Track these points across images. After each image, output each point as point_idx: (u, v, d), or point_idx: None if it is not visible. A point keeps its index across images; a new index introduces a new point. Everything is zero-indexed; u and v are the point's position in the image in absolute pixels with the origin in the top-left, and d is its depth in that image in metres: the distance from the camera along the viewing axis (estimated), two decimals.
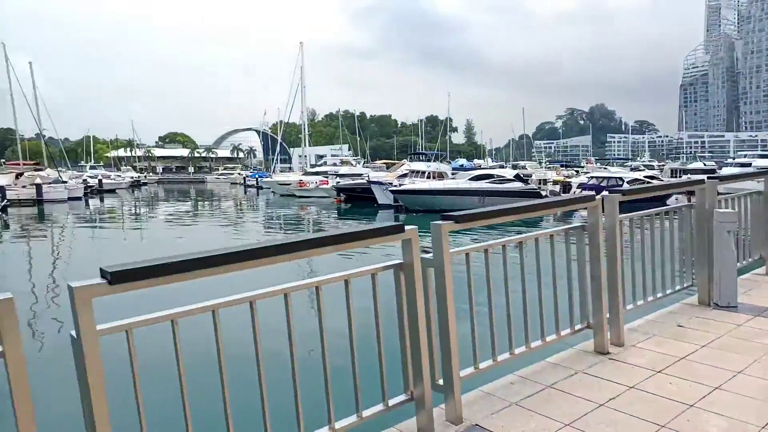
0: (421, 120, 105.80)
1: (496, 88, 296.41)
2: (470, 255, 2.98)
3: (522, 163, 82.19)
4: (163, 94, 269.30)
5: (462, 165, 70.77)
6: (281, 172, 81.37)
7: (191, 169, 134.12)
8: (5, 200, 43.48)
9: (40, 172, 59.44)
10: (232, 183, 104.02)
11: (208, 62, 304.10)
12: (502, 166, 64.85)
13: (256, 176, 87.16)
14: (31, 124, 69.46)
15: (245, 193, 78.50)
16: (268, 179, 72.39)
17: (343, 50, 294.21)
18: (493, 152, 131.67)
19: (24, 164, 68.12)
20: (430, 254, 2.71)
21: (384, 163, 77.18)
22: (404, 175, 46.22)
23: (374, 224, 2.40)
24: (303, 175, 65.21)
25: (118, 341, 1.73)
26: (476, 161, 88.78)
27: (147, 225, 37.75)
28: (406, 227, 2.48)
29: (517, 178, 41.01)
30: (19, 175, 55.26)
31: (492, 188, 38.10)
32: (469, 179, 39.93)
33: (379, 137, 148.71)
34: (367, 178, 48.38)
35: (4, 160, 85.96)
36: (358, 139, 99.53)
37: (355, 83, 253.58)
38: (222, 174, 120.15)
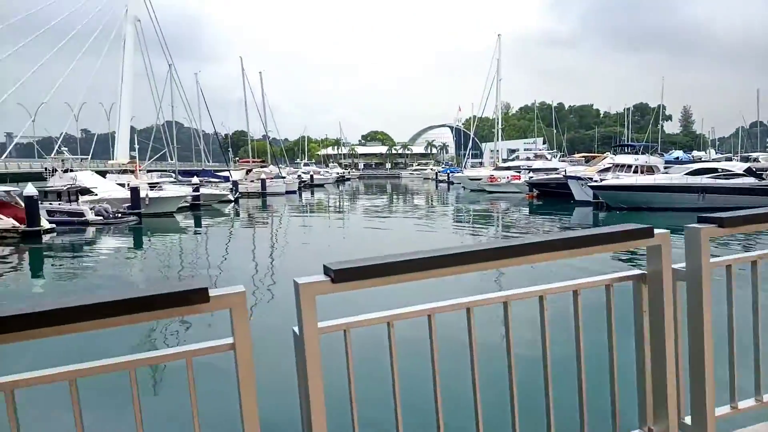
0: (627, 108, 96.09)
1: (721, 69, 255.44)
2: (732, 268, 2.37)
3: (755, 154, 69.86)
4: (367, 95, 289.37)
5: (677, 158, 62.98)
6: (472, 167, 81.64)
7: (388, 165, 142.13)
8: (237, 193, 50.93)
9: (265, 169, 68.59)
10: (424, 178, 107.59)
11: (407, 61, 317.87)
12: (729, 159, 55.89)
13: (447, 171, 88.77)
14: (259, 127, 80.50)
15: (436, 188, 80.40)
16: (459, 174, 73.20)
17: (541, 40, 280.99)
18: (717, 143, 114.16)
19: (253, 162, 79.47)
20: (681, 264, 2.21)
21: (582, 157, 72.37)
22: (606, 170, 42.61)
23: (616, 226, 1.96)
24: (494, 169, 64.56)
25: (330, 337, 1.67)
26: (695, 153, 77.97)
27: (348, 216, 40.85)
28: (656, 231, 2.03)
29: (749, 172, 34.89)
30: (248, 172, 64.52)
31: (715, 184, 33.08)
32: (686, 174, 35.20)
33: (577, 129, 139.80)
34: (563, 173, 45.90)
35: (237, 158, 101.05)
36: (555, 131, 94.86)
37: (553, 73, 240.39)
38: (415, 170, 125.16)
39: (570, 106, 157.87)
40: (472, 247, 1.67)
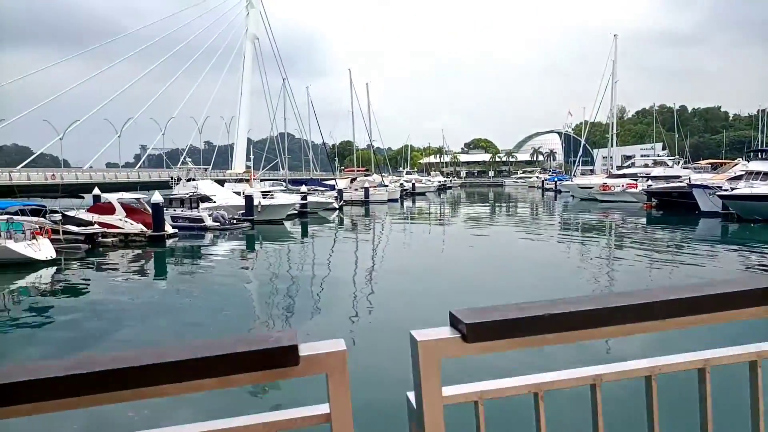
0: (762, 110, 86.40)
1: None
2: None
3: None
4: (470, 102, 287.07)
5: None
6: (582, 174, 77.68)
7: (491, 173, 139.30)
8: (342, 201, 52.32)
9: (368, 178, 69.99)
10: (529, 186, 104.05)
11: (513, 66, 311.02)
12: None
13: (555, 179, 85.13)
14: (365, 136, 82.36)
15: (542, 196, 77.32)
16: (568, 182, 70.00)
17: (661, 38, 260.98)
18: None
19: (357, 170, 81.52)
20: None
21: (709, 163, 66.22)
22: (738, 177, 38.59)
23: None
24: (607, 177, 61.08)
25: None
26: None
27: (449, 225, 40.27)
28: None
29: None
30: (353, 180, 66.18)
31: None
32: None
33: (702, 133, 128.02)
34: (687, 181, 42.15)
35: (342, 167, 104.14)
36: (676, 136, 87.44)
37: (675, 74, 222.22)
38: (520, 177, 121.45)
39: (694, 108, 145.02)
40: (662, 295, 1.20)
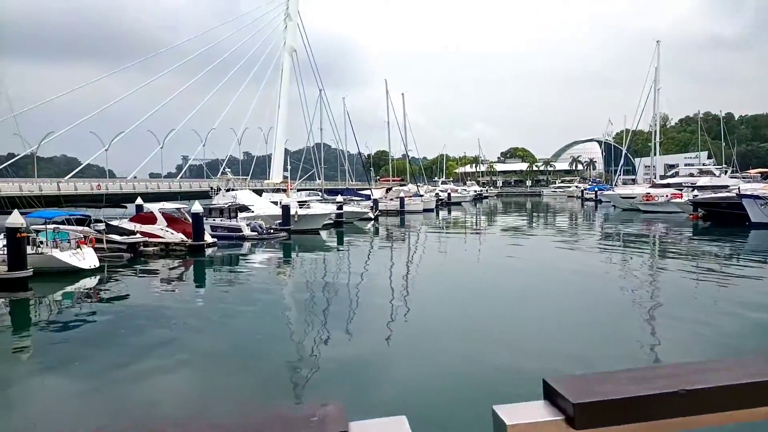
0: None
1: None
2: None
3: None
4: (507, 110, 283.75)
5: None
6: (624, 184, 75.65)
7: (529, 183, 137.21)
8: (377, 211, 52.30)
9: (403, 188, 69.81)
10: (568, 196, 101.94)
11: (554, 74, 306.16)
12: None
13: (595, 189, 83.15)
14: (400, 146, 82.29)
15: (582, 206, 75.54)
16: (609, 192, 68.27)
17: (705, 43, 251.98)
18: None
19: (392, 180, 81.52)
20: None
21: (759, 173, 63.54)
22: None
23: None
24: (650, 187, 59.28)
25: None
26: None
27: (486, 237, 39.67)
28: None
29: None
30: (388, 190, 66.14)
31: None
32: None
33: (750, 141, 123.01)
34: (736, 191, 40.46)
35: (378, 177, 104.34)
36: (722, 144, 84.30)
37: (721, 80, 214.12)
38: (558, 187, 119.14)
39: (741, 116, 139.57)
40: None
